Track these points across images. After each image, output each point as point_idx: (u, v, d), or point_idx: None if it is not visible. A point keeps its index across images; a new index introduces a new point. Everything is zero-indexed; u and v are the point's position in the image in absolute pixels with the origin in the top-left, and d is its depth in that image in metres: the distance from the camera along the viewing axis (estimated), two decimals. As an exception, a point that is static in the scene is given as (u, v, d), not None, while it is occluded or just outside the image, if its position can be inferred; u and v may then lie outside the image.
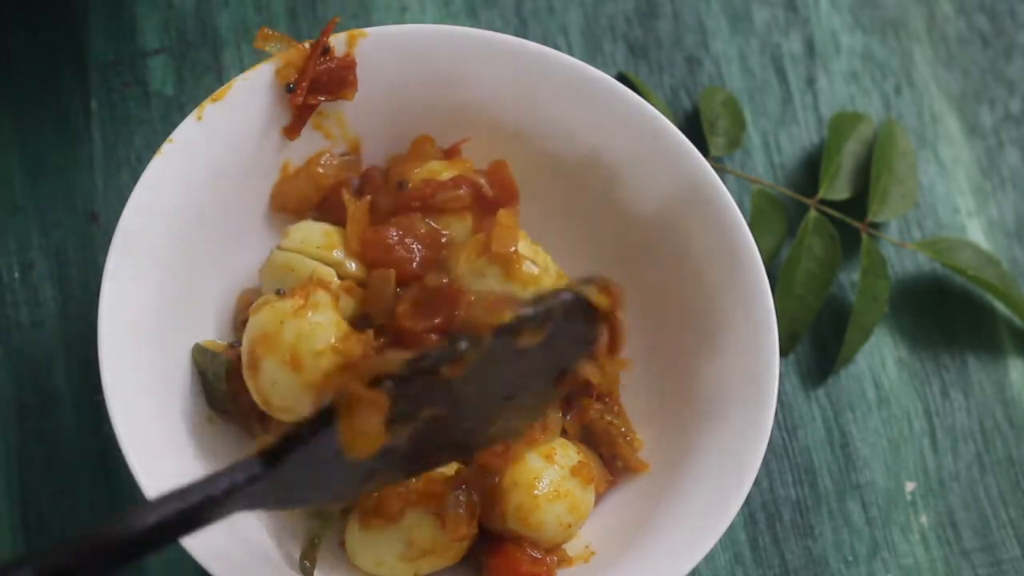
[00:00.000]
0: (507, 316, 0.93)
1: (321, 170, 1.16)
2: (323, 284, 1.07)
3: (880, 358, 1.29)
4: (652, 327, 1.16)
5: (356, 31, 1.12)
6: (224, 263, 1.14)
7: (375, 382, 0.92)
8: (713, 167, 1.13)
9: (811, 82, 1.37)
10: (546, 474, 1.07)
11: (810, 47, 1.38)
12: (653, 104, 1.19)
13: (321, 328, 1.04)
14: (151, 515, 0.85)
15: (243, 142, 1.12)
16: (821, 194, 1.31)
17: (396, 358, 0.93)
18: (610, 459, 1.14)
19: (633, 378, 1.16)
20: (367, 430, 0.91)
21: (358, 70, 1.13)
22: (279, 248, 1.12)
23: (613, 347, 0.99)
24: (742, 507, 1.15)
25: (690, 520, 1.05)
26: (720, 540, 1.11)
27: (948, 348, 1.30)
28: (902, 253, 1.33)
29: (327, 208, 1.16)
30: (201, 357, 1.11)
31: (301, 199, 1.16)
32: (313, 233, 1.12)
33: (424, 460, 1.00)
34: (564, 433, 1.12)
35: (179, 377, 1.10)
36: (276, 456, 0.90)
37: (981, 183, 1.37)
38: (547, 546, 1.09)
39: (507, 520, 1.07)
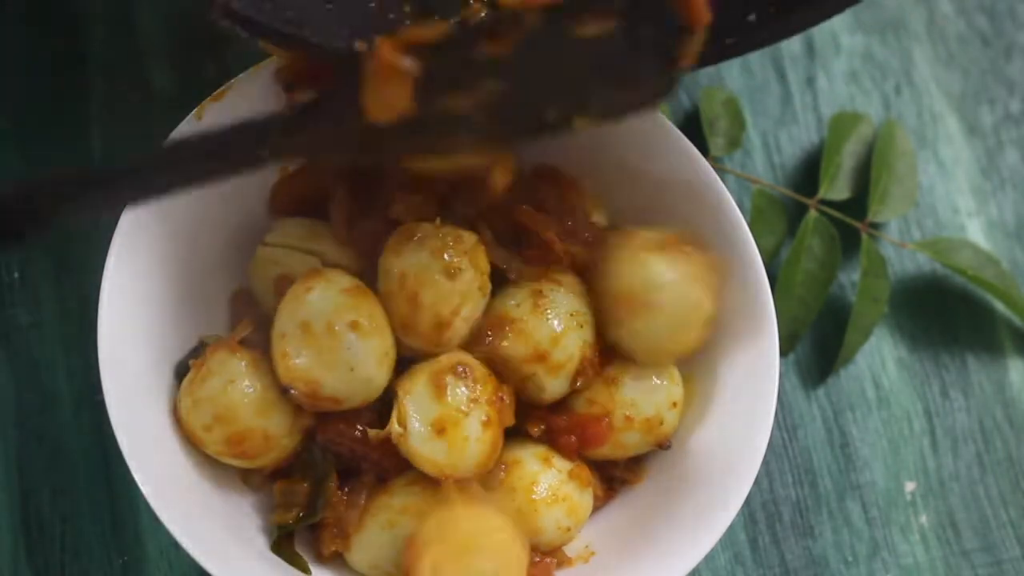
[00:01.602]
0: None
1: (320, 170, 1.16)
2: (228, 345, 1.08)
3: (880, 358, 1.29)
4: (652, 327, 1.16)
5: (356, 31, 1.12)
6: (223, 263, 1.14)
7: (408, 49, 0.88)
8: (713, 167, 1.13)
9: (811, 82, 1.37)
10: (544, 478, 1.07)
11: (810, 47, 1.38)
12: (653, 104, 1.19)
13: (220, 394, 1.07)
14: (186, 148, 0.91)
15: (243, 142, 1.12)
16: (821, 194, 1.31)
17: (432, 27, 0.89)
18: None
19: (633, 378, 1.16)
20: (390, 98, 0.89)
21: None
22: (263, 244, 1.13)
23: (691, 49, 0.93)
24: (742, 507, 1.15)
25: (690, 520, 1.05)
26: (720, 540, 1.11)
27: (948, 348, 1.30)
28: (902, 253, 1.33)
29: (326, 209, 1.16)
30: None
31: (299, 199, 1.16)
32: (297, 227, 1.12)
33: (461, 140, 0.95)
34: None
35: (179, 378, 1.10)
36: (299, 116, 0.91)
37: (981, 183, 1.37)
38: (545, 549, 1.09)
39: None
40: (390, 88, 0.88)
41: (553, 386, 1.07)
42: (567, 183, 1.14)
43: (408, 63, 0.88)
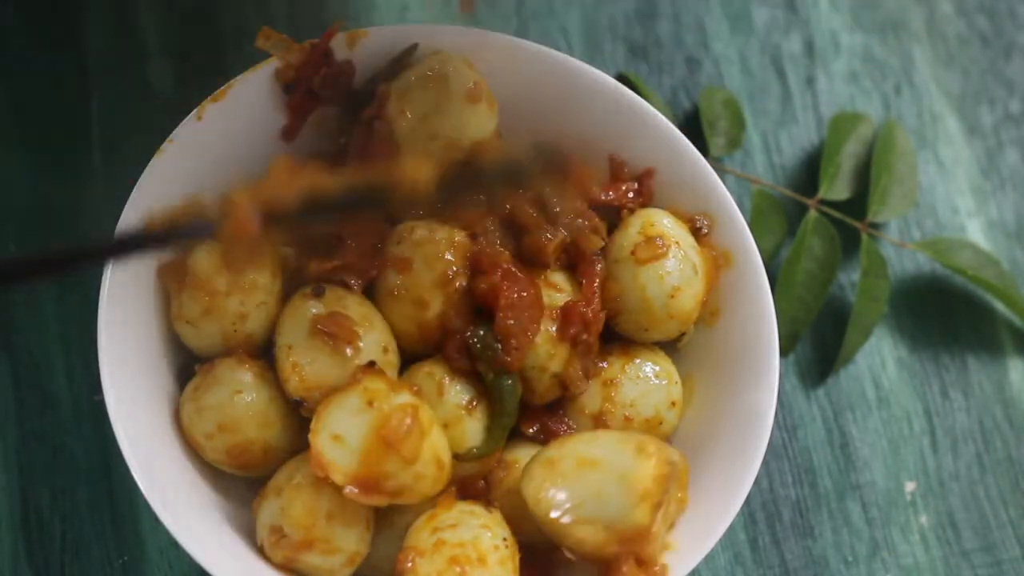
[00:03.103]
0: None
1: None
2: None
3: (880, 358, 1.29)
4: (652, 327, 1.16)
5: (357, 31, 1.12)
6: (224, 263, 1.15)
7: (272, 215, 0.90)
8: (713, 167, 1.13)
9: (811, 82, 1.37)
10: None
11: (810, 47, 1.38)
12: (653, 104, 1.19)
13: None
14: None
15: (243, 142, 1.12)
16: (821, 194, 1.31)
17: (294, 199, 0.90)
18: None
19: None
20: (240, 257, 0.96)
21: (357, 68, 1.13)
22: None
23: None
24: (742, 507, 1.15)
25: (689, 520, 1.05)
26: (720, 540, 1.11)
27: (948, 348, 1.30)
28: (902, 253, 1.33)
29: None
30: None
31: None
32: None
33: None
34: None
35: (179, 378, 1.10)
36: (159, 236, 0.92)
37: (981, 183, 1.37)
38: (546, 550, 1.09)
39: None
40: (240, 251, 0.93)
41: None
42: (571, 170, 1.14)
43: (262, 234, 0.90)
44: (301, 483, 1.02)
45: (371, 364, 1.02)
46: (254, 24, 1.31)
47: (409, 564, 1.01)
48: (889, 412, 1.28)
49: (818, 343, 1.29)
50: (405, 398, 1.00)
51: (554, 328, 1.07)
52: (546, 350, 1.07)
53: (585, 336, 1.07)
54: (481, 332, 1.05)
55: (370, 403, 0.99)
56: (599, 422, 1.08)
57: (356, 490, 0.99)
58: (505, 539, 1.03)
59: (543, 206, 1.10)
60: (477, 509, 1.04)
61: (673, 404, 1.10)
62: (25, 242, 1.24)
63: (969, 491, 1.26)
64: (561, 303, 1.08)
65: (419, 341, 1.07)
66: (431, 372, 1.06)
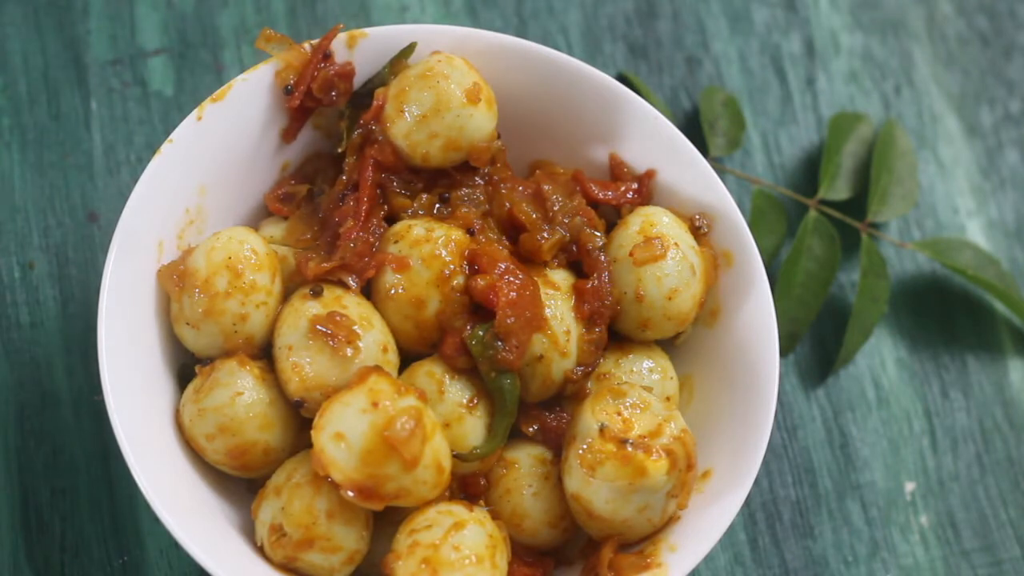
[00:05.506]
0: None
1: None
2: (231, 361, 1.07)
3: (880, 358, 1.29)
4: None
5: (356, 32, 1.12)
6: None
7: None
8: (713, 167, 1.13)
9: (811, 82, 1.37)
10: (541, 479, 1.08)
11: (810, 47, 1.38)
12: (653, 104, 1.19)
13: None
14: None
15: (242, 142, 1.12)
16: (821, 194, 1.31)
17: None
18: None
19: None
20: None
21: (357, 69, 1.13)
22: None
23: None
24: (742, 507, 1.15)
25: (690, 520, 1.05)
26: (720, 540, 1.11)
27: (948, 348, 1.30)
28: (902, 253, 1.33)
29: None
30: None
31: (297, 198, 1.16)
32: (276, 229, 1.13)
33: None
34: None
35: (179, 379, 1.10)
36: None
37: (981, 183, 1.37)
38: (544, 550, 1.09)
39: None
40: None
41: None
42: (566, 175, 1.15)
43: None
44: (300, 482, 1.02)
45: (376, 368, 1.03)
46: (254, 24, 1.31)
47: (391, 568, 1.01)
48: (889, 412, 1.28)
49: (818, 343, 1.29)
50: (410, 401, 1.00)
51: (570, 307, 1.07)
52: (562, 331, 1.07)
53: (601, 309, 1.08)
54: (481, 331, 1.05)
55: (375, 404, 0.99)
56: None
57: (353, 494, 0.99)
58: (490, 536, 1.02)
59: (541, 205, 1.10)
60: (455, 508, 1.03)
61: (668, 399, 1.10)
62: (25, 242, 1.24)
63: (969, 491, 1.26)
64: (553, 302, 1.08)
65: (418, 340, 1.07)
66: (431, 371, 1.06)
